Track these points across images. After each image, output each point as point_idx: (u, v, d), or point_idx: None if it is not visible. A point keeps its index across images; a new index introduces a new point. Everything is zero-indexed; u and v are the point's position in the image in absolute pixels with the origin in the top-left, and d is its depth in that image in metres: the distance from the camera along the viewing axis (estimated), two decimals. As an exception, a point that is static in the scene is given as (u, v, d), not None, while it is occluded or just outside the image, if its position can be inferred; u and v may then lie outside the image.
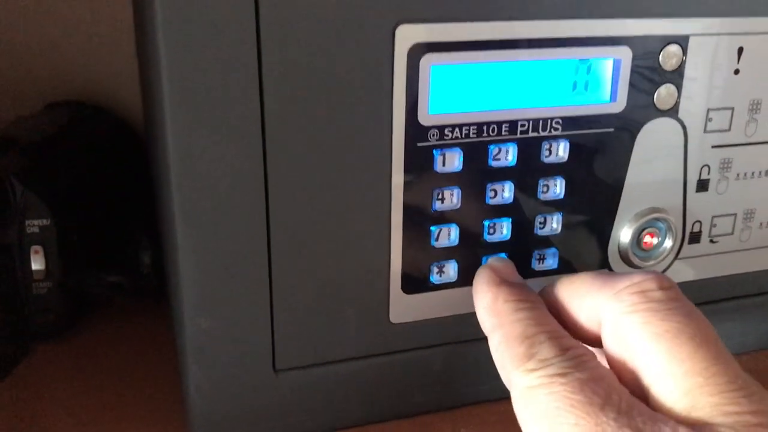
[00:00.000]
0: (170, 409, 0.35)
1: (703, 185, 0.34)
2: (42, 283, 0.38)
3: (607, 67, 0.31)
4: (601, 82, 0.31)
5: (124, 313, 0.43)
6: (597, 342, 0.26)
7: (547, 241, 0.33)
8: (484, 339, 0.27)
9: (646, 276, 0.25)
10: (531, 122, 0.30)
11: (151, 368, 0.38)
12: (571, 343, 0.25)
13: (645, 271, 0.25)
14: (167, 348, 0.40)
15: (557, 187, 0.32)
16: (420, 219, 0.30)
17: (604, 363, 0.25)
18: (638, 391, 0.23)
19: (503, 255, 0.32)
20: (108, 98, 0.57)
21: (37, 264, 0.38)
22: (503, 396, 0.26)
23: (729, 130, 0.34)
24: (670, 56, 0.31)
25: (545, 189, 0.32)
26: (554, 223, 0.32)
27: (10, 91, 0.55)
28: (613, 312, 0.24)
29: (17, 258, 0.38)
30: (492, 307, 0.27)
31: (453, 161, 0.30)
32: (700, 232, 0.35)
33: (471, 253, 0.32)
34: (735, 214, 0.35)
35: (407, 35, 0.28)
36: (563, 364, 0.23)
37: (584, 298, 0.26)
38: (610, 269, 0.34)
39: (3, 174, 0.37)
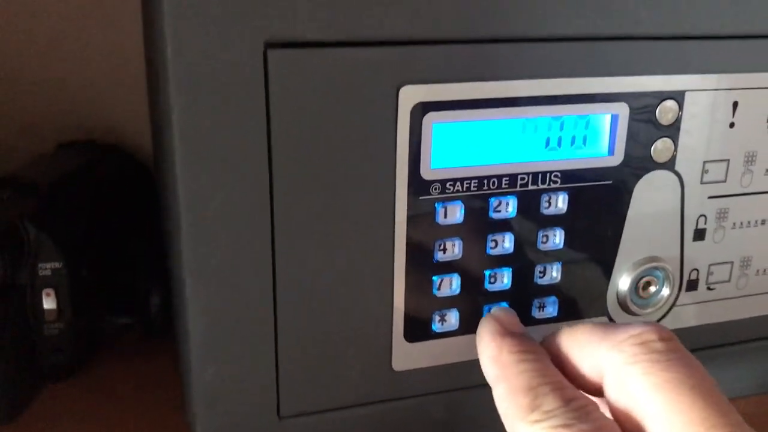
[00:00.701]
0: (177, 451, 0.36)
1: (700, 234, 0.35)
2: (53, 324, 0.39)
3: (605, 122, 0.32)
4: (599, 137, 0.32)
5: (132, 353, 0.44)
6: (599, 392, 0.26)
7: (547, 290, 0.33)
8: (486, 386, 0.28)
9: (646, 327, 0.25)
10: (530, 176, 0.31)
11: (158, 409, 0.39)
12: (574, 394, 0.25)
13: (644, 323, 0.26)
14: (175, 388, 0.40)
15: (557, 238, 0.32)
16: (422, 269, 0.31)
17: (606, 413, 0.25)
18: None
19: (504, 304, 0.33)
20: (119, 134, 0.58)
21: (48, 305, 0.39)
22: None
23: (725, 181, 0.34)
24: (666, 111, 0.32)
25: (545, 239, 0.32)
26: (554, 272, 0.33)
27: (20, 128, 0.56)
28: (615, 363, 0.25)
29: (29, 299, 0.39)
30: (496, 358, 0.28)
31: (454, 213, 0.31)
32: (698, 279, 0.36)
33: (472, 302, 0.32)
34: (732, 262, 0.36)
35: (410, 95, 0.29)
36: (567, 416, 0.24)
37: (585, 349, 0.27)
38: (609, 317, 0.35)
39: (17, 217, 0.38)
